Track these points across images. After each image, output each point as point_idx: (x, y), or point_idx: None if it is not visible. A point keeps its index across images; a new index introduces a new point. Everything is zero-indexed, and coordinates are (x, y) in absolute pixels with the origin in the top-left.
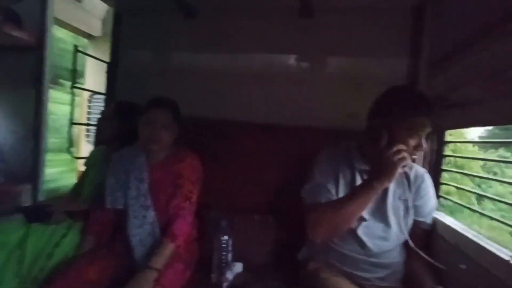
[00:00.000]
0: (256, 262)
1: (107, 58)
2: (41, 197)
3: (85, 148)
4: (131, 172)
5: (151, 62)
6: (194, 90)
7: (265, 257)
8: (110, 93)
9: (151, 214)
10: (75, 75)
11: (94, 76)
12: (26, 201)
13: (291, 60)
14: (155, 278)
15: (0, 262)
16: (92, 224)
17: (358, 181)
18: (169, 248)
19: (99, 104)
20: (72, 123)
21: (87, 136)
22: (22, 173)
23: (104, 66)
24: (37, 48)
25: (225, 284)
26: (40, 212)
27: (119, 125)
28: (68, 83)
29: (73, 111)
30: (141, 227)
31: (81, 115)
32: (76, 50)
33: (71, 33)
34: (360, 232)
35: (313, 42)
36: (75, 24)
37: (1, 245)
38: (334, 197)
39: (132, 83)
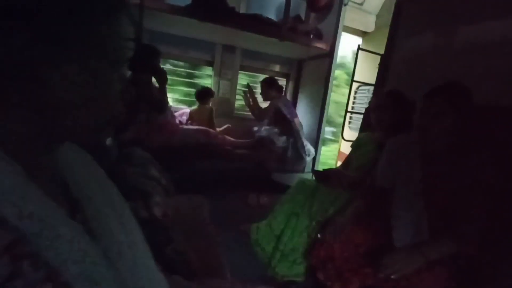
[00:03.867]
0: None
1: (378, 51)
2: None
3: (347, 133)
4: (404, 158)
5: (432, 48)
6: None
7: None
8: (380, 84)
9: (419, 203)
10: (354, 70)
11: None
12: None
13: None
14: (417, 269)
15: (301, 202)
16: (365, 193)
17: None
18: (447, 246)
19: (364, 94)
20: (347, 111)
21: (349, 123)
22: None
23: (374, 59)
24: (329, 53)
25: None
26: (325, 177)
27: (389, 113)
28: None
29: (349, 101)
30: (407, 212)
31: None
32: (359, 48)
33: (346, 34)
34: None
35: None
36: (353, 26)
37: (302, 191)
38: None
39: (406, 72)
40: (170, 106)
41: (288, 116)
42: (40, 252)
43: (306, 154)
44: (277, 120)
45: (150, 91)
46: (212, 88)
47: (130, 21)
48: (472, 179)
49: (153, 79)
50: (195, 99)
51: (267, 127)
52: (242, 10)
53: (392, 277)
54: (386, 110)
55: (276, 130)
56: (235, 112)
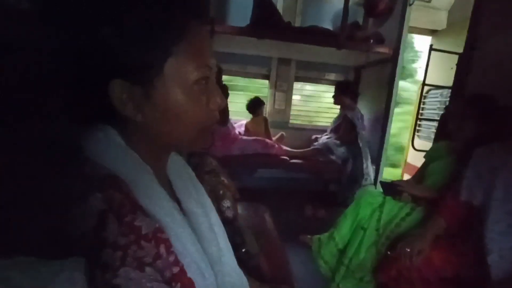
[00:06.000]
0: None
1: (452, 50)
2: (380, 176)
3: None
4: (500, 171)
5: None
6: None
7: None
8: (459, 87)
9: None
10: (426, 73)
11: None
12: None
13: None
14: None
15: (367, 216)
16: (447, 208)
17: None
18: None
19: (436, 99)
20: (417, 118)
21: (418, 131)
22: (371, 154)
23: (448, 60)
24: (392, 58)
25: None
26: (393, 189)
27: (474, 121)
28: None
29: (419, 106)
30: (503, 236)
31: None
32: (431, 48)
33: (413, 35)
34: None
35: None
36: (421, 25)
37: (368, 203)
38: None
39: (489, 73)
40: (230, 118)
41: (358, 129)
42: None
43: (364, 179)
44: (346, 132)
45: None
46: (269, 100)
47: None
48: None
49: None
50: (248, 112)
51: (328, 136)
52: (298, 23)
53: None
54: (470, 117)
55: (337, 141)
56: (290, 122)
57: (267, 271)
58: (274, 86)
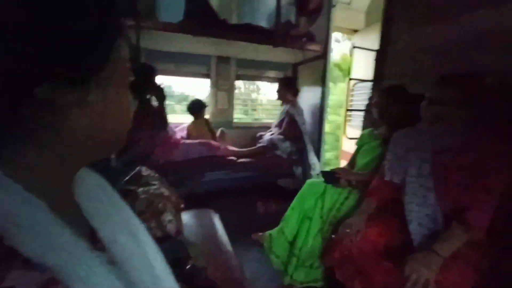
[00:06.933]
0: None
1: (372, 47)
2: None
3: (349, 131)
4: (413, 151)
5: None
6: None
7: None
8: (378, 79)
9: (431, 197)
10: (350, 68)
11: (359, 66)
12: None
13: None
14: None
15: (311, 205)
16: (374, 189)
17: None
18: (460, 238)
19: (362, 91)
20: (347, 109)
21: (349, 120)
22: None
23: (370, 56)
24: (323, 55)
25: None
26: (332, 177)
27: (391, 108)
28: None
29: (348, 99)
30: (420, 206)
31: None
32: (353, 46)
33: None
34: None
35: None
36: (344, 25)
37: (312, 194)
38: None
39: (401, 66)
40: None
41: (301, 125)
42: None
43: (312, 169)
44: (289, 127)
45: (150, 109)
46: (211, 100)
47: (126, 42)
48: (485, 170)
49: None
50: (190, 114)
51: (272, 132)
52: (234, 20)
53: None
54: (388, 105)
55: (281, 136)
56: (234, 121)
57: (218, 282)
58: (216, 85)
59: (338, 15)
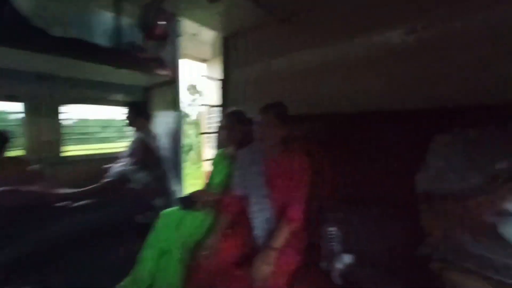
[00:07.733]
0: (370, 256)
1: (219, 77)
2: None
3: (208, 151)
4: (252, 167)
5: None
6: (304, 90)
7: (380, 252)
8: (224, 105)
9: (268, 202)
10: (202, 95)
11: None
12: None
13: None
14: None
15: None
16: (227, 205)
17: None
18: (286, 230)
19: (215, 115)
20: (201, 133)
21: (208, 142)
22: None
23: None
24: (174, 80)
25: (334, 273)
26: (189, 201)
27: (234, 130)
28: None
29: (201, 123)
30: (261, 212)
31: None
32: (202, 75)
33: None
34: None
35: None
36: (193, 54)
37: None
38: None
39: (241, 94)
40: None
41: (157, 152)
42: None
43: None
44: (143, 156)
45: None
46: (25, 131)
47: None
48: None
49: None
50: None
51: (123, 163)
52: (59, 33)
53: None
54: (231, 128)
55: (134, 166)
56: (63, 155)
57: None
58: (33, 111)
59: (188, 45)
